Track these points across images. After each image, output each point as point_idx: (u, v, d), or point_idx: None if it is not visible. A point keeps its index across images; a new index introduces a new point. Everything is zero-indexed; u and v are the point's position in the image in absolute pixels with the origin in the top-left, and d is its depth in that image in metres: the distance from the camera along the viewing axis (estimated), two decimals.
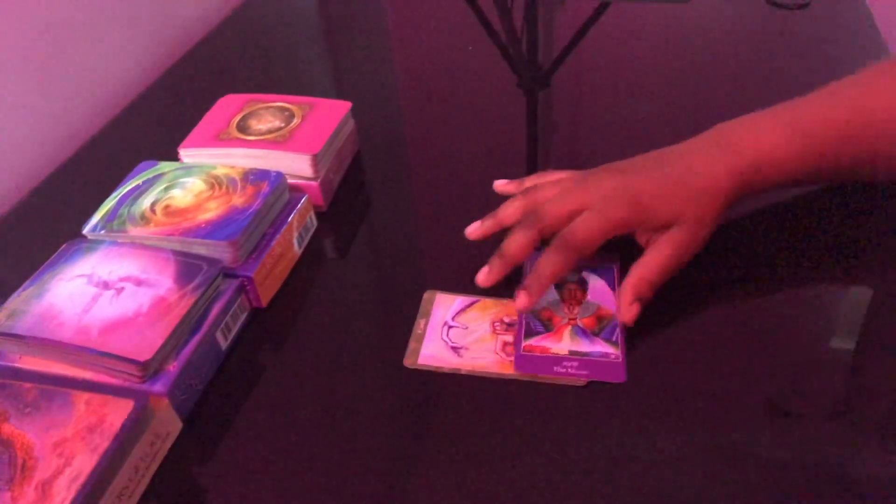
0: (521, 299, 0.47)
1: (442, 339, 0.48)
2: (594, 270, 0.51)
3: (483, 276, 0.49)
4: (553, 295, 0.50)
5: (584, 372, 0.45)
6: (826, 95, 0.51)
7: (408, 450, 0.43)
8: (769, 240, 0.53)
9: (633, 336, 0.47)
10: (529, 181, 0.55)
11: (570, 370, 0.45)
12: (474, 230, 0.53)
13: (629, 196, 0.48)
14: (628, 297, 0.47)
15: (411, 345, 0.48)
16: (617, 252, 0.51)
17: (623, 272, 0.50)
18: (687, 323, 0.48)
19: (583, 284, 0.50)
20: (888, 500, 0.38)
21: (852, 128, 0.49)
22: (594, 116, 0.71)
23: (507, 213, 0.52)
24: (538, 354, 0.46)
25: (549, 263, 0.47)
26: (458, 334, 0.48)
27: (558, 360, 0.46)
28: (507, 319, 0.49)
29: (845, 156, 0.50)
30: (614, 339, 0.46)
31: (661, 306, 0.48)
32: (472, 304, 0.50)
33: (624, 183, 0.48)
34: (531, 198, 0.51)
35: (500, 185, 0.57)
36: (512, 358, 0.46)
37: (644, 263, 0.47)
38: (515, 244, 0.48)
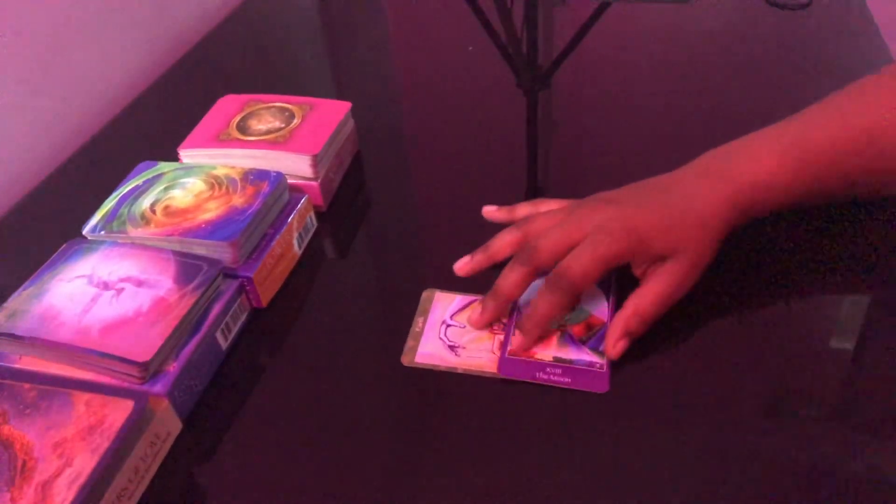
0: (518, 341, 0.47)
1: (439, 337, 0.48)
2: None
3: (476, 318, 0.48)
4: None
5: (566, 379, 0.45)
6: (819, 113, 0.50)
7: (405, 449, 0.43)
8: (758, 250, 0.53)
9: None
10: (521, 210, 0.54)
11: (552, 377, 0.45)
12: (463, 266, 0.52)
13: (625, 228, 0.46)
14: (617, 333, 0.45)
15: (409, 343, 0.48)
16: None
17: (621, 278, 0.51)
18: (677, 332, 0.48)
19: None
20: (888, 500, 0.38)
21: (848, 147, 0.48)
22: (594, 117, 0.71)
23: (499, 247, 0.51)
24: (522, 359, 0.46)
25: (545, 304, 0.46)
26: (455, 333, 0.48)
27: (542, 365, 0.46)
28: (504, 319, 0.49)
29: (841, 175, 0.49)
30: (601, 348, 0.46)
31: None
32: (470, 303, 0.50)
33: (619, 214, 0.47)
34: (524, 230, 0.50)
35: (490, 211, 0.55)
36: None
37: (640, 296, 0.46)
38: (509, 282, 0.47)
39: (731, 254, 0.51)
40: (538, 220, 0.50)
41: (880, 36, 0.75)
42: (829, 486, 0.39)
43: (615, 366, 0.45)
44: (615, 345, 0.45)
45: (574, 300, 0.47)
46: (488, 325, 0.48)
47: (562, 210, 0.50)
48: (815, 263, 0.51)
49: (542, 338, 0.47)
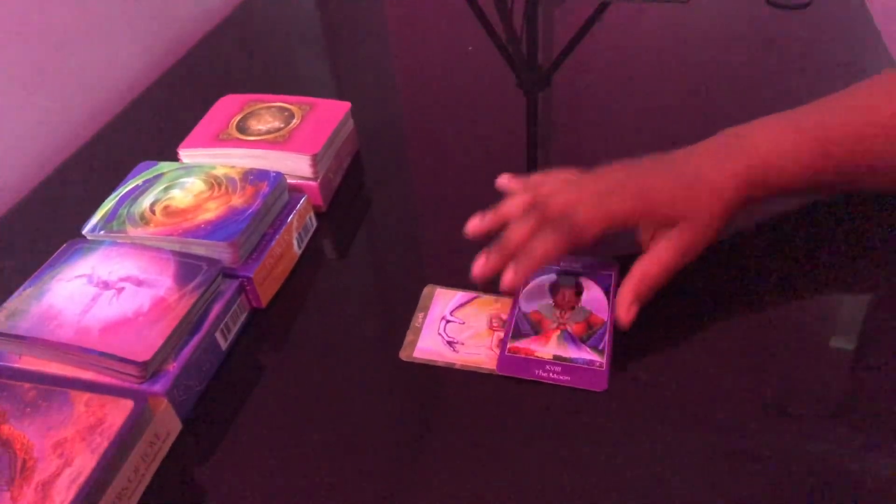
0: (508, 276, 0.45)
1: (439, 333, 0.48)
2: (592, 276, 0.51)
3: (479, 267, 0.47)
4: (547, 298, 0.50)
5: (565, 377, 0.45)
6: (839, 101, 0.50)
7: (404, 447, 0.43)
8: (758, 250, 0.53)
9: (625, 343, 0.47)
10: (535, 179, 0.54)
11: (551, 374, 0.45)
12: (474, 225, 0.51)
13: (635, 190, 0.47)
14: (628, 298, 0.46)
15: (408, 337, 0.48)
16: (616, 257, 0.51)
17: (622, 278, 0.51)
18: (676, 331, 0.48)
19: (578, 290, 0.50)
20: (888, 500, 0.38)
21: (868, 136, 0.48)
22: (594, 116, 0.71)
23: (510, 207, 0.50)
24: (522, 356, 0.46)
25: (543, 241, 0.45)
26: (454, 329, 0.48)
27: (541, 363, 0.46)
28: (504, 316, 0.49)
29: (857, 162, 0.49)
30: (601, 347, 0.46)
31: (652, 315, 0.48)
32: (471, 299, 0.50)
33: (631, 177, 0.47)
34: (535, 192, 0.50)
35: (504, 179, 0.55)
36: None
37: (645, 263, 0.46)
38: (516, 232, 0.47)
39: (731, 254, 0.51)
40: (550, 181, 0.50)
41: (880, 36, 0.75)
42: (829, 486, 0.39)
43: (614, 364, 0.45)
44: (628, 310, 0.45)
45: (571, 248, 0.46)
46: (489, 277, 0.47)
47: (575, 174, 0.50)
48: (815, 263, 0.51)
49: (529, 283, 0.48)
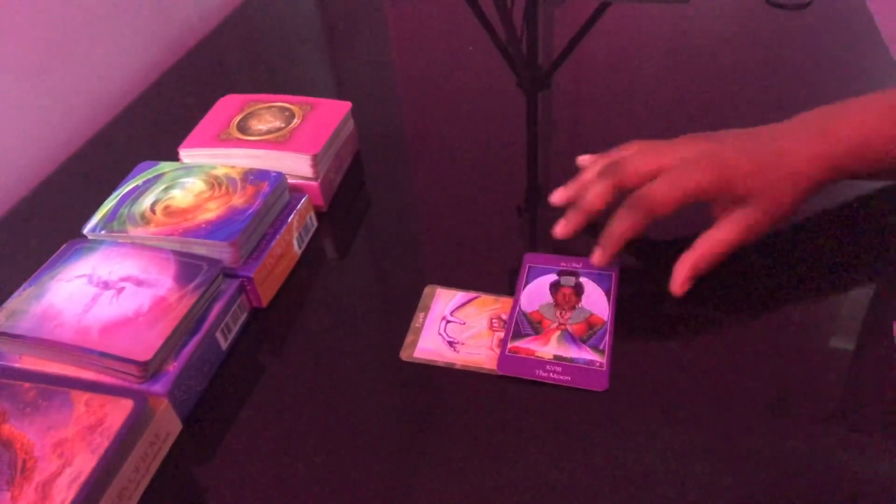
0: (597, 255, 0.48)
1: (439, 333, 0.48)
2: (593, 276, 0.51)
3: (560, 228, 0.49)
4: (547, 298, 0.50)
5: (566, 377, 0.45)
6: None
7: (404, 447, 0.43)
8: (758, 250, 0.53)
9: (625, 343, 0.47)
10: (612, 152, 0.54)
11: (552, 374, 0.45)
12: (558, 195, 0.52)
13: (714, 162, 0.46)
14: (685, 273, 0.46)
15: (409, 337, 0.48)
16: (617, 258, 0.51)
17: (623, 276, 0.51)
18: (677, 331, 0.48)
19: (579, 290, 0.50)
20: (888, 500, 0.38)
21: None
22: (594, 116, 0.71)
23: (589, 175, 0.51)
24: (522, 356, 0.46)
25: (621, 222, 0.47)
26: (455, 329, 0.48)
27: (542, 363, 0.46)
28: (504, 316, 0.49)
29: None
30: (601, 346, 0.46)
31: (652, 315, 0.48)
32: (471, 299, 0.50)
33: (711, 149, 0.47)
34: (613, 157, 0.51)
35: (584, 158, 0.56)
36: None
37: (710, 238, 0.46)
38: (592, 193, 0.48)
39: (731, 254, 0.51)
40: (631, 147, 0.51)
41: (880, 36, 0.75)
42: (829, 486, 0.39)
43: (614, 364, 0.45)
44: (683, 284, 0.47)
45: (649, 224, 0.47)
46: (571, 235, 0.50)
47: (655, 141, 0.50)
48: (815, 263, 0.51)
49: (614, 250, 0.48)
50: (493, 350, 0.47)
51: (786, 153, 0.47)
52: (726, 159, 0.46)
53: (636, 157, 0.48)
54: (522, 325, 0.48)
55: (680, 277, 0.47)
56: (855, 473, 0.39)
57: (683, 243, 0.49)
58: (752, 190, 0.46)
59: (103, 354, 0.43)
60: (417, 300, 0.51)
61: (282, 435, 0.44)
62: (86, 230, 0.52)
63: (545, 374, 0.45)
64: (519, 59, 0.78)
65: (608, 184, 0.47)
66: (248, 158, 0.58)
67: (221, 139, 0.60)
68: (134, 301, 0.46)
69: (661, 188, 0.46)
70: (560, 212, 0.52)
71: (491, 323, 0.49)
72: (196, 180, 0.55)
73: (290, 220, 0.54)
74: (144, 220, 0.52)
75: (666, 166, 0.47)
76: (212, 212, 0.52)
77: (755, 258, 0.51)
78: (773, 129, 0.49)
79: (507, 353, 0.46)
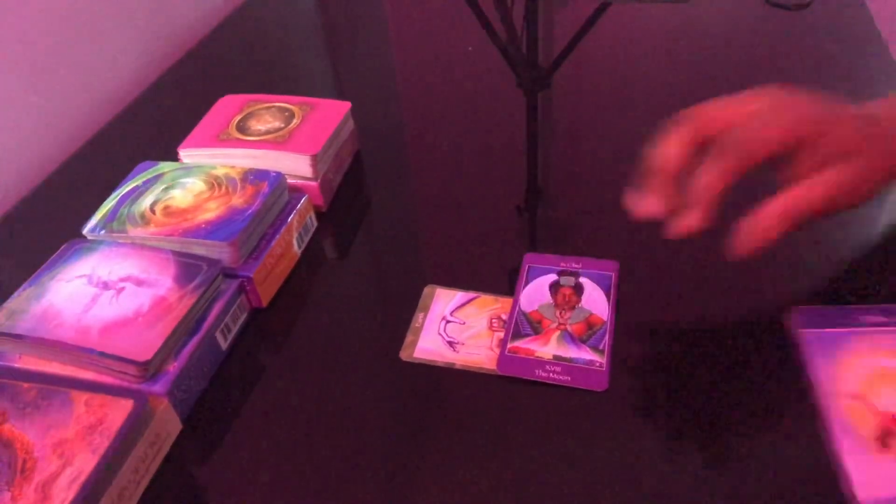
0: (692, 219, 0.41)
1: (439, 333, 0.48)
2: (592, 276, 0.51)
3: (689, 221, 0.42)
4: (547, 298, 0.50)
5: (566, 377, 0.45)
6: None
7: (404, 447, 0.43)
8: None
9: (625, 343, 0.47)
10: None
11: (552, 374, 0.45)
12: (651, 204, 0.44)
13: (807, 105, 0.41)
14: (775, 217, 0.40)
15: (408, 338, 0.48)
16: (617, 256, 0.51)
17: (623, 276, 0.50)
18: (676, 331, 0.48)
19: (578, 290, 0.50)
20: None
21: None
22: (594, 116, 0.71)
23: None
24: (522, 356, 0.46)
25: (710, 171, 0.40)
26: (455, 329, 0.48)
27: (541, 363, 0.46)
28: (504, 316, 0.49)
29: None
30: (601, 346, 0.46)
31: (652, 315, 0.48)
32: (471, 299, 0.50)
33: (804, 95, 0.42)
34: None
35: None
36: None
37: (805, 187, 0.40)
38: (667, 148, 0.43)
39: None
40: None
41: (880, 36, 0.75)
42: (828, 486, 0.39)
43: (614, 364, 0.45)
44: (767, 231, 0.40)
45: (742, 169, 0.40)
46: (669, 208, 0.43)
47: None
48: (815, 263, 0.51)
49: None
50: (492, 350, 0.47)
51: (884, 119, 0.43)
52: (823, 107, 0.42)
53: (719, 104, 0.43)
54: (522, 325, 0.48)
55: (763, 225, 0.40)
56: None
57: (683, 243, 0.48)
58: (848, 143, 0.40)
59: (103, 354, 0.43)
60: (417, 300, 0.51)
61: (282, 435, 0.44)
62: (85, 230, 0.52)
63: (545, 374, 0.45)
64: (519, 59, 0.78)
65: (684, 132, 0.42)
66: (247, 158, 0.58)
67: (221, 139, 0.60)
68: (134, 301, 0.46)
69: (753, 127, 0.40)
70: (559, 212, 0.51)
71: (491, 323, 0.49)
72: (196, 180, 0.55)
73: (289, 220, 0.54)
74: (144, 220, 0.52)
75: (766, 107, 0.42)
76: (211, 212, 0.52)
77: (756, 259, 0.51)
78: (877, 103, 0.45)
79: (506, 353, 0.46)
